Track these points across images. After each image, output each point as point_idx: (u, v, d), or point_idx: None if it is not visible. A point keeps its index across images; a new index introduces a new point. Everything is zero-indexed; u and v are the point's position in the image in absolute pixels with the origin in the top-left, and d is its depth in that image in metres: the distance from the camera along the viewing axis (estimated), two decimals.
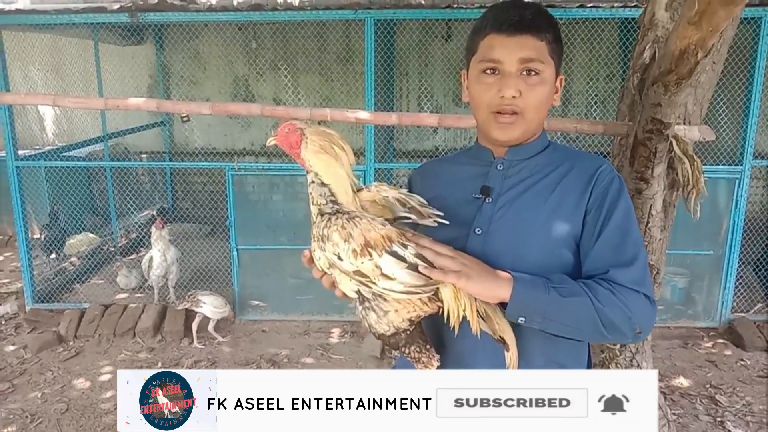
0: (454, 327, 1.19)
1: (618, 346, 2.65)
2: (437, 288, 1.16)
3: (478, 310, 1.18)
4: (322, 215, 1.20)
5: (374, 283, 1.14)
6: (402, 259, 1.14)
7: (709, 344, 4.43)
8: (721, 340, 4.46)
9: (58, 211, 5.68)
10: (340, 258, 1.15)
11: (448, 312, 1.18)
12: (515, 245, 1.23)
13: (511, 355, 1.19)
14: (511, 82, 1.22)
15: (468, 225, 1.26)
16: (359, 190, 1.26)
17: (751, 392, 3.77)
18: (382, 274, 1.13)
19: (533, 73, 1.23)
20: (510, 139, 1.28)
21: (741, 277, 4.67)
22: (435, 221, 1.22)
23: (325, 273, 1.22)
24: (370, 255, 1.13)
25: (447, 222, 1.22)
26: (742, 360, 4.19)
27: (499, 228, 1.25)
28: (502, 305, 1.16)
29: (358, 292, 1.19)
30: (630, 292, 1.17)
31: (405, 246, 1.15)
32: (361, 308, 1.20)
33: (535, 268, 1.19)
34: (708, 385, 3.85)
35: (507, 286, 1.13)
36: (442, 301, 1.18)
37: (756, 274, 4.88)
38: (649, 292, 1.19)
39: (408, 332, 1.21)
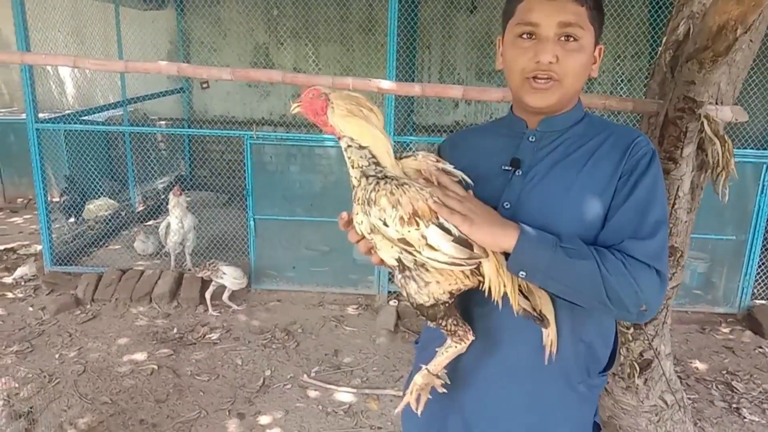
0: (497, 302, 1.16)
1: (632, 330, 2.61)
2: (480, 262, 1.14)
3: (519, 286, 1.15)
4: (367, 177, 1.15)
5: (419, 252, 1.11)
6: (448, 231, 1.11)
7: (727, 330, 4.37)
8: (739, 327, 4.41)
9: (75, 175, 5.71)
10: (385, 224, 1.11)
11: (490, 287, 1.15)
12: (545, 221, 1.18)
13: (550, 332, 1.17)
14: (548, 47, 1.17)
15: (496, 199, 1.23)
16: (404, 158, 1.22)
17: None
18: (428, 245, 1.10)
19: (572, 38, 1.17)
20: (545, 106, 1.23)
21: (763, 263, 4.59)
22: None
23: (363, 238, 1.18)
24: (417, 224, 1.10)
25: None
26: (760, 347, 4.13)
27: (528, 202, 1.21)
28: (507, 256, 1.13)
29: (399, 260, 1.15)
30: (642, 267, 1.12)
31: None
32: (400, 276, 1.17)
33: None
34: (725, 371, 3.81)
35: (512, 236, 1.11)
36: (483, 276, 1.15)
37: None
38: (663, 268, 1.14)
39: (447, 305, 1.18)
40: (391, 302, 4.53)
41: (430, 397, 1.27)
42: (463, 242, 1.11)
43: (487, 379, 1.28)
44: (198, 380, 3.55)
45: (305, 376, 3.61)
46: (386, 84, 2.23)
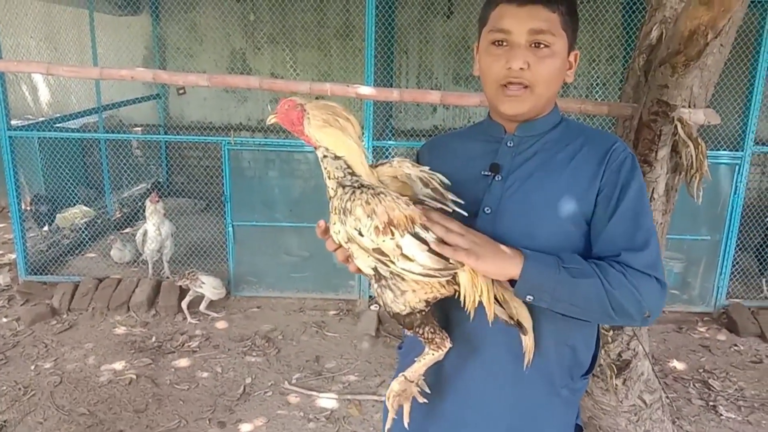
0: (469, 312, 1.17)
1: (611, 332, 2.64)
2: (455, 272, 1.14)
3: (495, 295, 1.16)
4: (343, 187, 1.16)
5: (393, 263, 1.12)
6: (423, 241, 1.11)
7: (704, 329, 4.44)
8: (715, 325, 4.48)
9: (49, 184, 5.63)
10: (360, 234, 1.12)
11: (465, 296, 1.16)
12: (525, 225, 1.20)
13: (528, 339, 1.18)
14: (519, 53, 1.18)
15: (477, 204, 1.23)
16: (379, 165, 1.22)
17: (744, 377, 3.79)
18: (402, 255, 1.11)
19: (543, 45, 1.19)
20: (518, 113, 1.24)
21: (737, 263, 4.67)
22: (453, 210, 1.19)
23: (340, 246, 1.19)
24: (392, 234, 1.10)
25: (465, 214, 1.18)
26: (735, 345, 4.20)
27: (508, 207, 1.22)
28: (511, 282, 1.14)
29: (375, 269, 1.16)
30: (642, 276, 1.15)
31: (427, 229, 1.13)
32: (377, 286, 1.18)
33: (546, 248, 1.17)
34: (701, 370, 3.87)
35: (517, 263, 1.12)
36: (459, 285, 1.16)
37: (758, 260, 4.86)
38: (661, 276, 1.18)
39: (423, 313, 1.19)
40: (372, 307, 4.53)
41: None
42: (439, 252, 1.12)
43: (469, 384, 1.29)
44: (177, 389, 3.51)
45: (286, 382, 3.59)
46: (365, 90, 2.24)
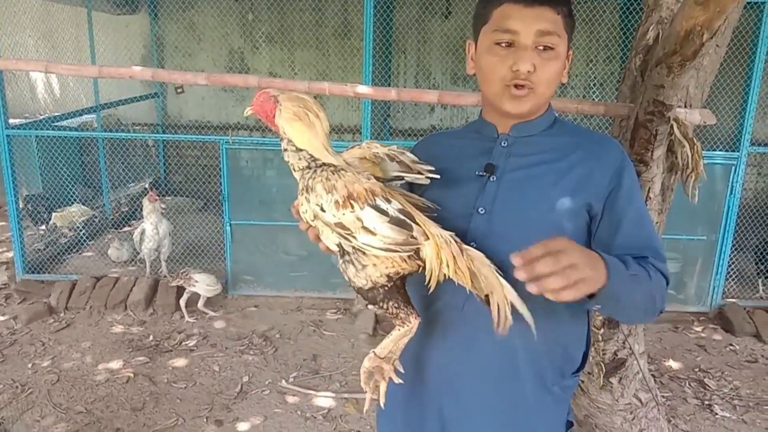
0: (431, 286, 1.17)
1: (602, 330, 2.64)
2: (418, 247, 1.15)
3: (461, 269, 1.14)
4: (309, 169, 1.20)
5: (354, 237, 1.13)
6: (384, 213, 1.13)
7: (699, 329, 4.46)
8: (711, 325, 4.50)
9: (46, 183, 5.63)
10: (322, 209, 1.15)
11: (431, 272, 1.16)
12: (520, 226, 1.20)
13: (498, 306, 1.12)
14: (527, 56, 1.17)
15: (471, 204, 1.24)
16: (348, 149, 1.26)
17: (739, 377, 3.81)
18: (363, 227, 1.12)
19: (548, 47, 1.18)
20: (521, 113, 1.24)
21: (733, 263, 4.69)
22: (427, 177, 1.21)
23: (311, 225, 1.21)
24: (352, 207, 1.12)
25: (438, 176, 1.21)
26: (731, 345, 4.22)
27: (503, 208, 1.22)
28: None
29: (339, 245, 1.18)
30: (661, 277, 1.18)
31: (389, 201, 1.14)
32: (341, 261, 1.20)
33: None
34: (697, 369, 3.88)
35: (603, 274, 1.04)
36: (423, 260, 1.16)
37: (756, 261, 4.87)
38: (668, 274, 1.21)
39: (386, 288, 1.19)
40: (370, 306, 4.54)
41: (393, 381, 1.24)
42: (400, 223, 1.13)
43: (464, 382, 1.29)
44: (175, 387, 3.52)
45: (283, 381, 3.60)
46: (363, 89, 2.24)
